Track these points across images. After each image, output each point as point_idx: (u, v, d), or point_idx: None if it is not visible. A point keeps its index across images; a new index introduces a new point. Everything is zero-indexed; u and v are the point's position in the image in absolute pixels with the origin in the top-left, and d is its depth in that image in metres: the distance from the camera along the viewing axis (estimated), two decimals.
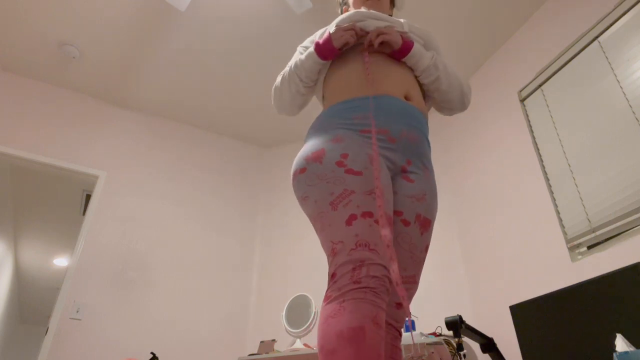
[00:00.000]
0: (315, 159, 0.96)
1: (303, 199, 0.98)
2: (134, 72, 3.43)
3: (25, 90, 3.42)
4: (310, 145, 1.01)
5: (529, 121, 2.81)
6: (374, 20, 1.20)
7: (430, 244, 3.28)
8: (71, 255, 3.27)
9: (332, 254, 0.87)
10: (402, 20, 1.26)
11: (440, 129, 3.73)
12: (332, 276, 0.84)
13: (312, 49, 1.16)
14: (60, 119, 3.46)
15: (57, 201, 4.77)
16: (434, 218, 1.10)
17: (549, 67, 2.70)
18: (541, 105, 2.72)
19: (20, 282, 7.00)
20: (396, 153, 1.04)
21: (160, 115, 3.92)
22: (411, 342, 2.32)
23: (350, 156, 0.94)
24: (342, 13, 1.48)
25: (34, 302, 7.84)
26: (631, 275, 1.55)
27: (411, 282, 1.04)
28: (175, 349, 3.10)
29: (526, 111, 2.85)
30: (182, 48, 3.22)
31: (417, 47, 1.13)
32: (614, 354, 1.35)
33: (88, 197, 4.61)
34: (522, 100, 2.89)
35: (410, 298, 1.05)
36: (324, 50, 1.13)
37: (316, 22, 2.99)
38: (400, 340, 1.02)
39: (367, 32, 1.16)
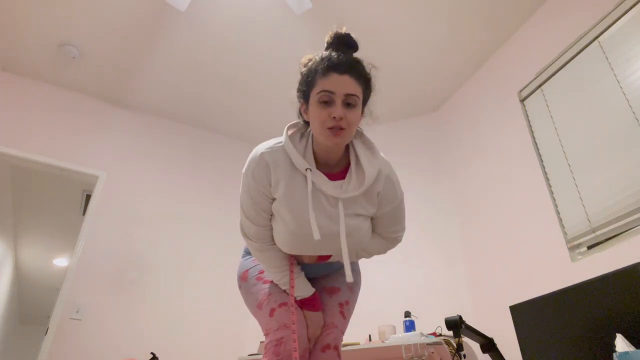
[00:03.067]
0: (243, 278, 1.40)
1: (244, 301, 1.39)
2: (134, 72, 3.43)
3: (25, 90, 3.41)
4: (243, 264, 1.45)
5: (529, 121, 2.81)
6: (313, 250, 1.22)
7: (431, 243, 3.28)
8: (71, 256, 3.27)
9: (264, 335, 1.24)
10: (341, 222, 1.16)
11: (441, 129, 3.73)
12: (265, 347, 1.21)
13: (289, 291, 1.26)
14: (60, 119, 3.46)
15: (57, 201, 4.77)
16: (344, 285, 1.38)
17: (549, 67, 2.69)
18: (541, 105, 2.72)
19: (20, 282, 7.00)
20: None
21: (160, 115, 3.92)
22: (411, 343, 2.32)
23: (265, 271, 1.34)
24: (300, 109, 1.20)
25: (34, 302, 7.84)
26: (631, 275, 1.55)
27: (331, 327, 1.30)
28: (175, 349, 3.10)
29: (526, 111, 2.85)
30: (182, 48, 3.22)
31: (332, 259, 1.28)
32: (614, 354, 1.35)
33: (88, 197, 4.59)
34: (522, 100, 2.89)
35: (335, 340, 1.28)
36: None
37: (316, 22, 2.99)
38: None
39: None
